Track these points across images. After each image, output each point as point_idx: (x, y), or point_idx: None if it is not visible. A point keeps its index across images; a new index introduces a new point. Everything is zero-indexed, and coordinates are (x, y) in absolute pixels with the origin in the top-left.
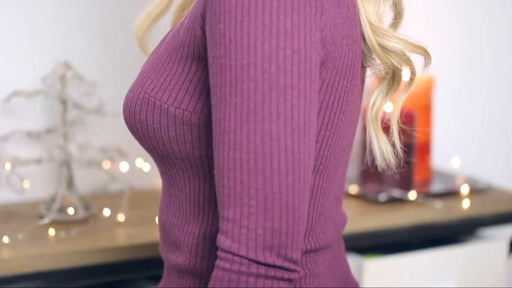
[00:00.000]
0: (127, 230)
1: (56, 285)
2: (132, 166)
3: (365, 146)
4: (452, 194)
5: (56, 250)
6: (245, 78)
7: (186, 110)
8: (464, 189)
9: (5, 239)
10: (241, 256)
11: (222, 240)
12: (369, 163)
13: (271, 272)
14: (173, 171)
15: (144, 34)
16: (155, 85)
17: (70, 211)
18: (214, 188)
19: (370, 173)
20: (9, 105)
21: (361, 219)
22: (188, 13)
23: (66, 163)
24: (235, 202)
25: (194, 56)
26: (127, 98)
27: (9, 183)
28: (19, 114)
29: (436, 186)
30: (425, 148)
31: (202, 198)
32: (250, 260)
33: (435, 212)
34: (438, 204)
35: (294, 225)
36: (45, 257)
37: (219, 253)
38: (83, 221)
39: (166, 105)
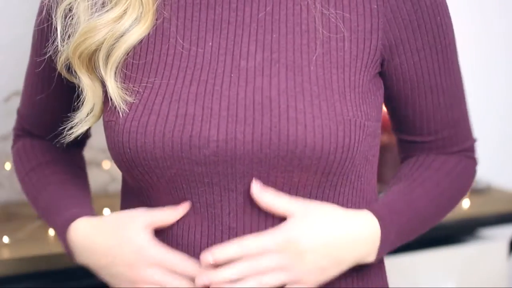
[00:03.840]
0: None
1: (56, 285)
2: None
3: None
4: None
5: (56, 250)
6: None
7: (370, 121)
8: None
9: (5, 239)
10: None
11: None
12: None
13: None
14: (338, 190)
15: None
16: (347, 105)
17: None
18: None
19: None
20: (9, 105)
21: None
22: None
23: None
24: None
25: (373, 65)
26: (316, 127)
27: (9, 183)
28: None
29: None
30: None
31: (365, 193)
32: None
33: None
34: None
35: None
36: (45, 257)
37: (472, 159)
38: None
39: (363, 121)
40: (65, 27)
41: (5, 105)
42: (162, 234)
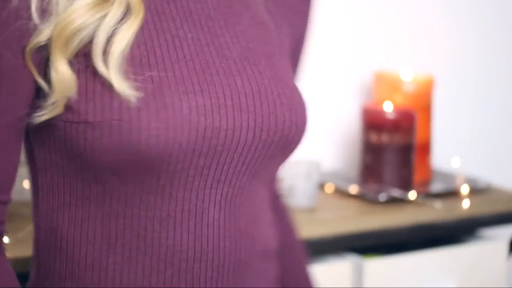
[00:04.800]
0: None
1: None
2: None
3: (365, 145)
4: (452, 194)
5: None
6: None
7: None
8: (464, 189)
9: (5, 239)
10: None
11: None
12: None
13: None
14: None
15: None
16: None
17: None
18: None
19: (370, 173)
20: None
21: (361, 219)
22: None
23: None
24: None
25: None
26: (305, 110)
27: None
28: None
29: (436, 186)
30: (425, 148)
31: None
32: None
33: (435, 212)
34: (438, 204)
35: None
36: None
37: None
38: None
39: None
40: (42, 9)
41: None
42: (144, 236)
